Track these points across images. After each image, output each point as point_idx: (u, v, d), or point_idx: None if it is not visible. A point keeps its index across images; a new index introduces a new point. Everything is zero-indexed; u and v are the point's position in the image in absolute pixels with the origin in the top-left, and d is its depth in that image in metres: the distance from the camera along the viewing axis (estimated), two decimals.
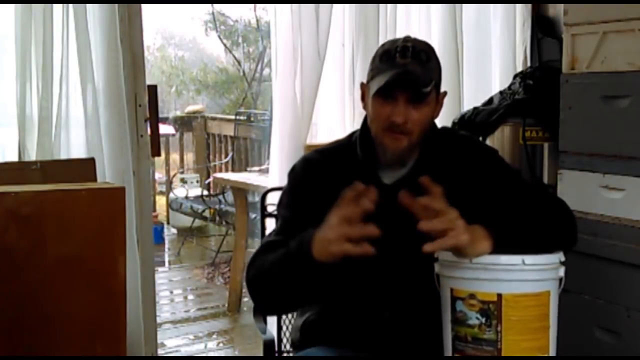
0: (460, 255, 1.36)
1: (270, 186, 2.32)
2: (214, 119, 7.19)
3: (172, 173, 6.99)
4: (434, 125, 1.68)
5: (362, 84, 1.68)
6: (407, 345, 1.57)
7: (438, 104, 1.64)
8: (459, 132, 1.80)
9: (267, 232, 2.38)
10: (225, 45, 9.95)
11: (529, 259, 1.34)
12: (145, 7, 2.27)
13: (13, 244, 1.38)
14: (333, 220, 1.40)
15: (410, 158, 1.62)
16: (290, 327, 2.02)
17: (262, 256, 1.59)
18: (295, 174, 1.72)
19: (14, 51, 2.09)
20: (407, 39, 1.62)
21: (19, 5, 2.07)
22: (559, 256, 1.39)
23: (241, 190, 4.28)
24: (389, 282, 1.59)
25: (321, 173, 1.65)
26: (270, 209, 2.19)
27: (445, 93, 1.66)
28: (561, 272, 1.38)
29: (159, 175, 7.28)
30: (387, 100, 1.55)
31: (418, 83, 1.54)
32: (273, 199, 2.23)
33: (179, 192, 6.09)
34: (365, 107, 1.66)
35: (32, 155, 2.10)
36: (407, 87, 1.54)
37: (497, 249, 1.36)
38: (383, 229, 1.58)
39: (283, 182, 1.82)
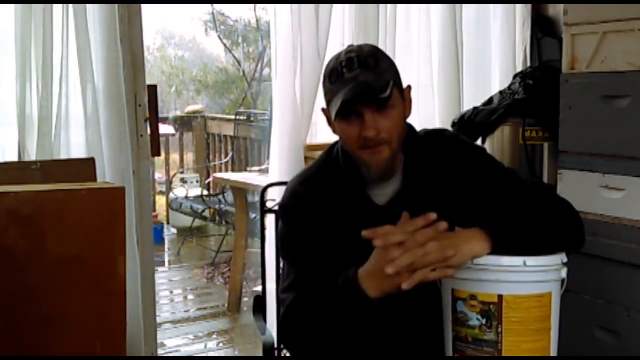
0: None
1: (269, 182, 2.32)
2: (214, 119, 7.20)
3: (172, 173, 6.99)
4: (413, 129, 1.63)
5: (323, 110, 1.60)
6: (407, 346, 1.57)
7: (406, 101, 1.57)
8: (445, 133, 1.70)
9: (267, 230, 2.39)
10: (225, 45, 9.97)
11: (531, 260, 1.33)
12: (145, 7, 2.27)
13: (13, 244, 1.38)
14: (381, 254, 1.37)
15: (397, 167, 1.57)
16: None
17: (300, 305, 1.52)
18: (288, 212, 1.64)
19: (14, 51, 2.09)
20: (349, 49, 1.53)
21: (19, 5, 2.07)
22: (562, 257, 1.38)
23: (241, 190, 4.29)
24: (389, 301, 1.50)
25: (313, 206, 1.58)
26: (270, 205, 2.19)
27: (409, 87, 1.59)
28: (563, 273, 1.37)
29: (159, 175, 7.28)
30: (352, 119, 1.49)
31: (374, 91, 1.46)
32: (272, 194, 2.24)
33: (179, 192, 6.09)
34: (334, 132, 1.59)
35: (32, 155, 2.10)
36: (365, 100, 1.46)
37: (500, 249, 1.35)
38: None
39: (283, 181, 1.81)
